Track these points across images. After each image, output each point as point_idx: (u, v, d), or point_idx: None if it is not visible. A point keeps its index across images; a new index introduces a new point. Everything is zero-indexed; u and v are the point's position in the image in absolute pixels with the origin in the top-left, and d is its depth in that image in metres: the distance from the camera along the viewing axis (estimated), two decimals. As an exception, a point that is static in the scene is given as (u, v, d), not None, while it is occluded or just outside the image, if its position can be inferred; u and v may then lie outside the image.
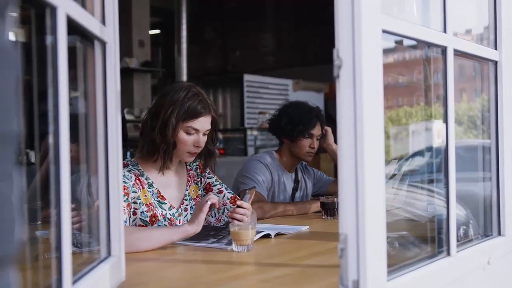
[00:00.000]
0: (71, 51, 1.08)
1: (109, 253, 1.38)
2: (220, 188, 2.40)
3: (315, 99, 6.76)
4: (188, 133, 2.19)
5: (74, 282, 1.10)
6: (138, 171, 2.23)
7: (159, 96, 2.26)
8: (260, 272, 1.67)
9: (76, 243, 1.33)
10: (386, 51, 1.30)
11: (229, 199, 2.35)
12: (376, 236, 1.20)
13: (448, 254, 1.52)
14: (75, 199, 1.19)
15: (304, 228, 2.36)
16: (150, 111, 2.25)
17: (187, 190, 2.35)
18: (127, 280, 1.45)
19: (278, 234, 2.19)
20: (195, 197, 2.37)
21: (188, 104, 2.16)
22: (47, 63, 1.03)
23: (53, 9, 0.99)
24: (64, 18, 1.01)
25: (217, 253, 1.87)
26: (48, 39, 1.01)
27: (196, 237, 2.05)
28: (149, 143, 2.21)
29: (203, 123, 2.21)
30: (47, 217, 1.25)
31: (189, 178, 2.38)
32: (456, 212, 1.57)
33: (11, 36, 0.59)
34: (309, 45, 9.03)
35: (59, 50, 1.01)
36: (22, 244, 0.60)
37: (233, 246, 1.88)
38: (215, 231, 2.15)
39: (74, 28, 1.12)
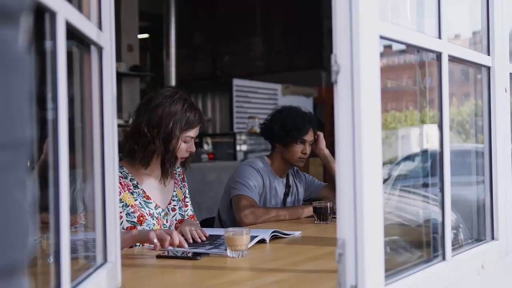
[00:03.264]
0: (67, 56, 1.07)
1: (105, 259, 1.37)
2: (188, 202, 2.52)
3: (304, 104, 6.76)
4: (185, 142, 2.30)
5: (72, 288, 1.09)
6: (121, 173, 2.27)
7: (153, 106, 2.26)
8: (256, 277, 1.67)
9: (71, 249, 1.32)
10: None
11: (188, 216, 2.45)
12: (374, 241, 1.20)
13: (444, 258, 1.52)
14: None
15: (297, 233, 2.36)
16: (146, 120, 2.25)
17: (174, 191, 2.43)
18: (122, 286, 1.44)
19: (273, 237, 2.19)
20: (181, 199, 2.47)
21: (188, 116, 2.28)
22: (45, 68, 1.02)
23: (53, 15, 0.98)
24: (64, 24, 1.01)
25: (212, 259, 1.86)
26: (47, 44, 1.01)
27: (193, 245, 2.05)
28: (150, 153, 2.26)
29: (197, 130, 2.35)
30: (43, 222, 1.25)
31: (175, 181, 2.47)
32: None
33: (25, 43, 0.59)
34: (299, 49, 9.05)
35: (58, 55, 1.00)
36: (33, 252, 0.60)
37: (228, 252, 1.87)
38: (211, 240, 2.15)
39: (71, 33, 1.12)
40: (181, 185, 2.50)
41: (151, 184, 2.34)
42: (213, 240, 2.14)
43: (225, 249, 1.90)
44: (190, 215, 2.48)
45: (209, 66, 10.05)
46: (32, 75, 0.60)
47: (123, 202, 2.21)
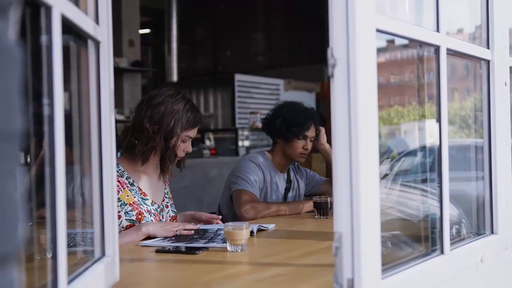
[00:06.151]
0: (64, 51, 1.07)
1: (103, 253, 1.37)
2: (172, 203, 2.53)
3: (306, 99, 6.76)
4: (183, 141, 2.33)
5: (69, 282, 1.10)
6: (118, 172, 2.28)
7: (155, 104, 2.30)
8: (254, 271, 1.67)
9: (69, 243, 1.33)
10: (378, 51, 1.30)
11: (170, 217, 2.46)
12: (371, 234, 1.20)
13: (442, 252, 1.52)
14: (67, 200, 1.19)
15: (271, 226, 2.37)
16: (148, 117, 2.27)
17: (166, 189, 2.48)
18: (121, 280, 1.45)
19: (259, 230, 2.25)
20: (171, 197, 2.52)
21: (189, 115, 2.32)
22: (41, 63, 1.03)
23: (48, 9, 0.98)
24: (59, 18, 1.01)
25: (211, 253, 1.87)
26: (43, 39, 1.01)
27: (184, 240, 2.04)
28: (149, 149, 2.29)
29: (196, 131, 2.39)
30: (40, 217, 1.26)
31: (166, 180, 2.51)
32: (449, 211, 1.58)
33: (14, 36, 0.59)
34: (301, 44, 9.05)
35: (54, 50, 1.00)
36: (25, 242, 0.60)
37: (227, 246, 1.87)
38: (199, 235, 2.14)
39: (67, 27, 1.12)
40: (168, 184, 2.55)
41: (145, 181, 2.37)
42: (202, 234, 2.14)
43: (223, 242, 1.90)
44: (172, 216, 2.49)
45: (210, 62, 10.06)
46: (22, 67, 0.60)
47: (121, 201, 2.23)
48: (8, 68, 0.56)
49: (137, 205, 2.27)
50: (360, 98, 1.16)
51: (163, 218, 2.39)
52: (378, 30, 1.24)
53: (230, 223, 1.96)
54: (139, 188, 2.32)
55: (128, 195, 2.27)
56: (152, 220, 2.28)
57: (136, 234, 2.08)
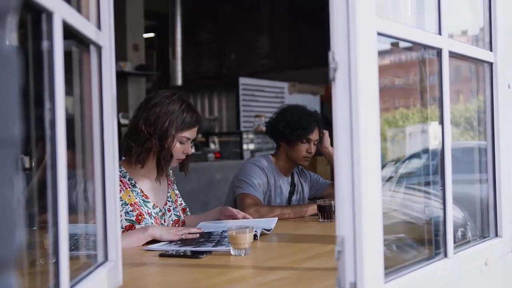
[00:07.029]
0: (67, 56, 1.07)
1: (106, 258, 1.37)
2: (181, 202, 2.58)
3: (311, 102, 6.76)
4: (181, 142, 2.33)
5: (72, 286, 1.10)
6: (120, 172, 2.30)
7: (151, 105, 2.31)
8: (257, 275, 1.67)
9: (72, 247, 1.33)
10: (382, 53, 1.30)
11: (172, 221, 2.46)
12: (373, 238, 1.20)
13: (445, 255, 1.52)
14: (71, 204, 1.20)
15: (274, 221, 2.42)
16: (143, 118, 2.29)
17: (168, 192, 2.48)
18: (124, 285, 1.45)
19: (263, 234, 2.24)
20: (174, 200, 2.51)
21: (184, 116, 2.31)
22: (42, 68, 1.03)
23: (50, 14, 0.99)
24: (60, 23, 1.01)
25: (214, 257, 1.87)
26: (44, 44, 1.01)
27: (190, 244, 2.04)
28: (145, 151, 2.29)
29: (195, 132, 2.38)
30: (44, 222, 1.26)
31: (169, 182, 2.51)
32: (454, 214, 1.57)
33: (12, 42, 0.60)
34: (305, 47, 9.03)
35: (55, 55, 1.01)
36: (22, 248, 0.60)
37: (231, 250, 1.87)
38: (205, 238, 2.14)
39: (69, 32, 1.12)
40: (173, 186, 2.55)
41: (147, 184, 2.37)
42: (208, 238, 2.14)
43: (228, 246, 1.90)
44: (183, 209, 2.54)
45: (215, 65, 10.05)
46: (20, 73, 0.60)
47: (122, 200, 2.24)
48: (5, 74, 0.56)
49: (138, 206, 2.27)
50: (362, 101, 1.16)
51: (165, 222, 2.39)
52: (379, 33, 1.24)
53: (233, 227, 1.96)
54: (141, 190, 2.33)
55: (129, 195, 2.27)
56: (152, 223, 2.28)
57: (142, 234, 2.09)
